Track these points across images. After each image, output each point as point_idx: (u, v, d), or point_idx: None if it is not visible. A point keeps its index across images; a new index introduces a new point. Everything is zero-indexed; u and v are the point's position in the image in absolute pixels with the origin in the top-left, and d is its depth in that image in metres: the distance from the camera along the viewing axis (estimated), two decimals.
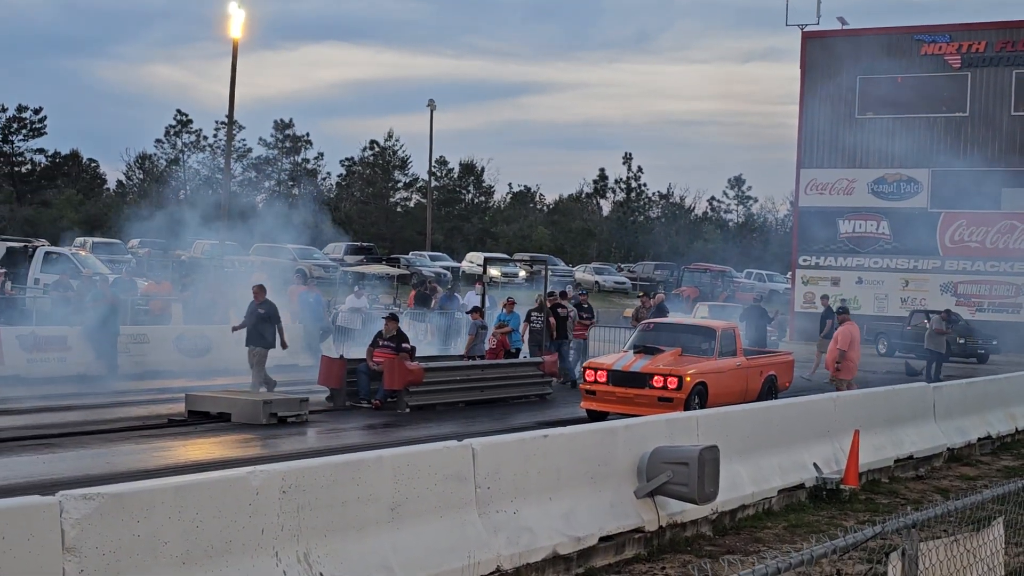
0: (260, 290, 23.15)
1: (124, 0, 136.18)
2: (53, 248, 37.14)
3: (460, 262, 72.44)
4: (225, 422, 19.37)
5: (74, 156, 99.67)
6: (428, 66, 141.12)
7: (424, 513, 10.14)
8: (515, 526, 10.99)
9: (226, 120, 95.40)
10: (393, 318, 23.83)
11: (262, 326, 22.64)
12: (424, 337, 31.74)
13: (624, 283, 70.96)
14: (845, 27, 51.71)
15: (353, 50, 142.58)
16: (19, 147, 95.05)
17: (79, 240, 56.72)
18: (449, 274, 64.48)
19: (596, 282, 70.23)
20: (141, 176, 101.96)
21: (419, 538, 9.99)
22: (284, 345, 23.19)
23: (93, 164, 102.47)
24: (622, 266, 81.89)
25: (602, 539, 11.89)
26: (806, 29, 51.64)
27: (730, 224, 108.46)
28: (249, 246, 63.74)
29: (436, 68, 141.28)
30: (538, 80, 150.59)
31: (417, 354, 23.93)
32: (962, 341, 40.50)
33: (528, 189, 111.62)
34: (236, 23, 54.58)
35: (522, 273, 66.25)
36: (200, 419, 19.54)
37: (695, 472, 12.50)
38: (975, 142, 47.07)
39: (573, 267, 76.38)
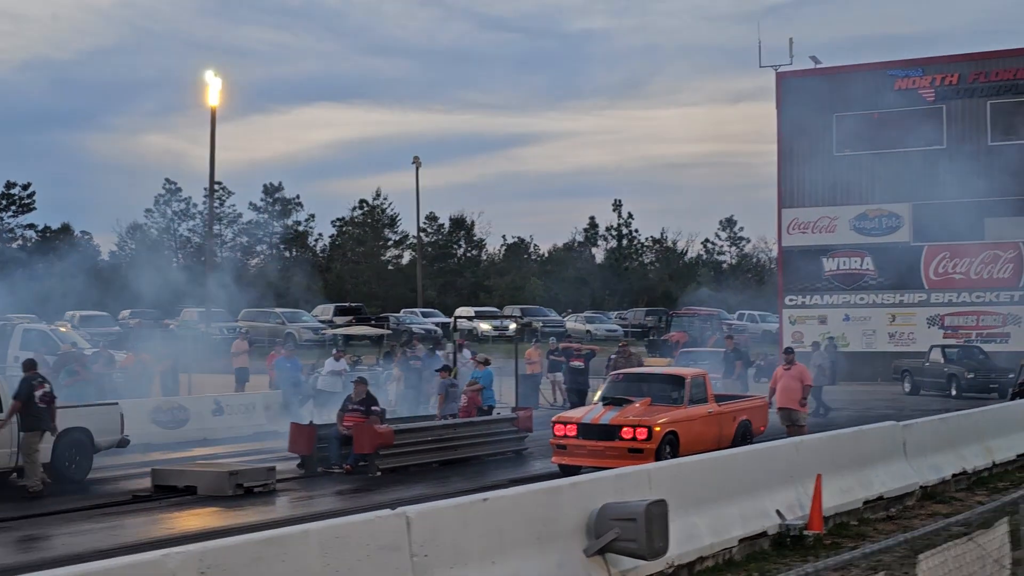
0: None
1: (115, 72, 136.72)
2: (32, 325, 37.08)
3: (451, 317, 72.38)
4: (192, 495, 19.25)
5: (65, 229, 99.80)
6: (418, 122, 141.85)
7: None
8: None
9: (215, 187, 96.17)
10: (362, 381, 23.76)
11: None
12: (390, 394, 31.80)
13: (616, 330, 70.84)
14: (818, 66, 51.89)
15: (344, 110, 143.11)
16: (8, 223, 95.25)
17: (68, 314, 56.63)
18: (440, 330, 64.42)
19: (587, 331, 70.11)
20: (133, 246, 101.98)
21: None
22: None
23: (86, 236, 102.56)
24: (620, 314, 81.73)
25: None
26: (779, 70, 51.82)
27: (723, 266, 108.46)
28: (238, 312, 63.83)
29: (426, 124, 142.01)
30: (530, 131, 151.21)
31: (389, 415, 23.86)
32: (971, 376, 40.08)
33: (522, 240, 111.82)
34: (213, 91, 54.90)
35: (512, 326, 66.22)
36: (166, 493, 19.41)
37: (643, 527, 12.39)
38: (954, 174, 47.03)
39: (564, 316, 76.25)
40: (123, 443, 23.20)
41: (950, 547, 6.97)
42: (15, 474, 20.66)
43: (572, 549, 12.36)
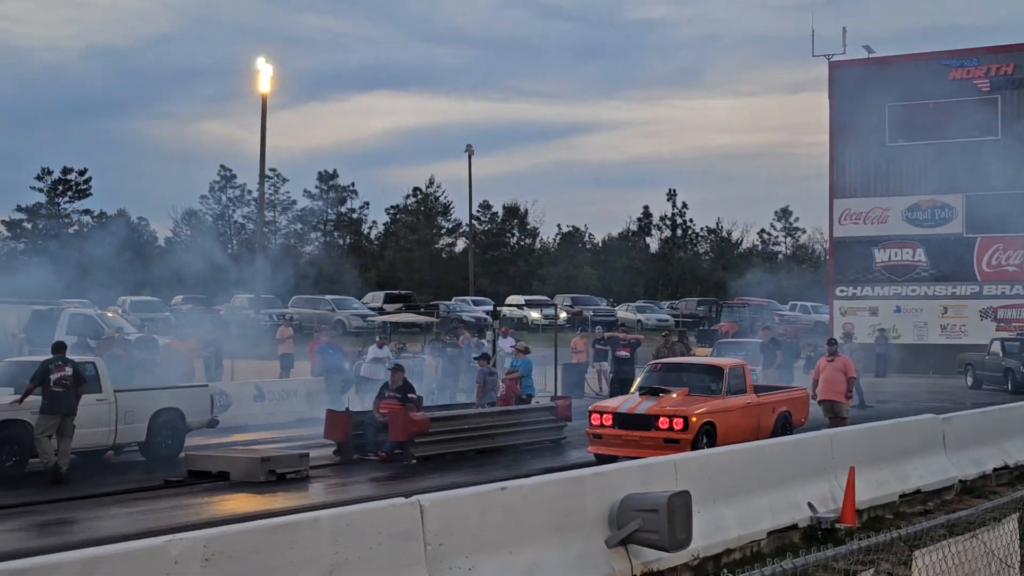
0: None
1: (174, 60, 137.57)
2: (79, 309, 37.30)
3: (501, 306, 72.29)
4: (224, 480, 19.27)
5: (121, 215, 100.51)
6: (475, 111, 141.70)
7: (367, 574, 9.94)
8: None
9: (270, 174, 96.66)
10: (399, 369, 23.71)
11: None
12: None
13: (667, 320, 70.48)
14: (872, 55, 51.33)
15: (401, 98, 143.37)
16: (65, 208, 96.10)
17: (120, 299, 57.00)
18: (489, 319, 64.31)
19: (638, 320, 69.87)
20: (188, 232, 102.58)
21: None
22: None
23: (142, 222, 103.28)
24: (672, 304, 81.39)
25: None
26: (832, 59, 51.31)
27: (778, 256, 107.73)
28: (288, 298, 64.07)
29: (483, 112, 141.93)
30: (586, 120, 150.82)
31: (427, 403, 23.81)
32: None
33: (576, 229, 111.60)
34: (265, 78, 55.22)
35: (563, 315, 66.06)
36: (199, 479, 19.45)
37: (664, 518, 12.24)
38: (1008, 164, 46.42)
39: (616, 306, 76.01)
40: (212, 423, 23.97)
41: (950, 544, 6.79)
42: (111, 451, 22.00)
43: (594, 540, 12.24)
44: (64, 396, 19.94)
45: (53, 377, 19.86)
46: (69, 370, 20.08)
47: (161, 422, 22.30)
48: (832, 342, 25.84)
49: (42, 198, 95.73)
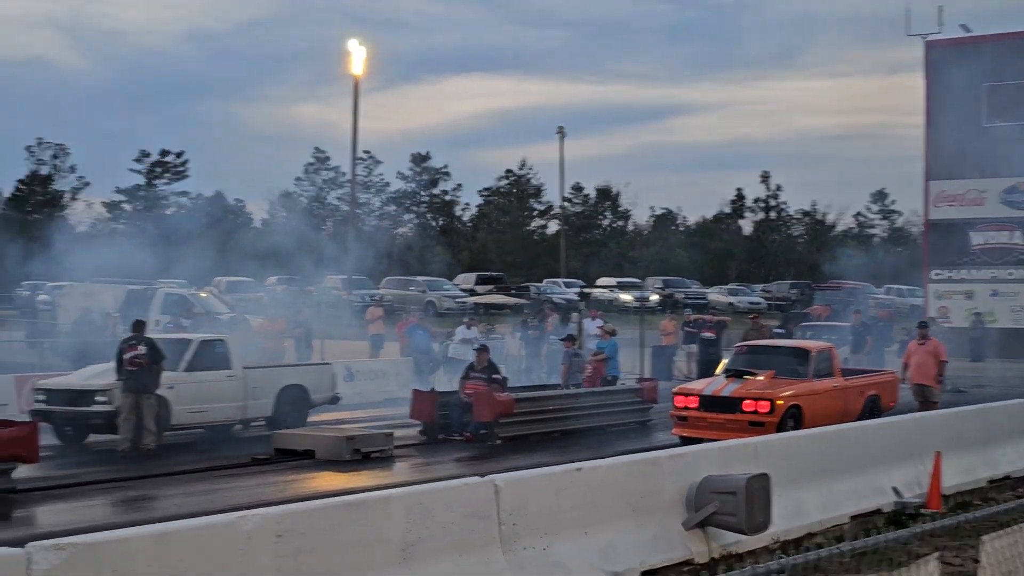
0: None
1: (271, 43, 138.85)
2: (173, 290, 37.80)
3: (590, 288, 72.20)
4: (310, 459, 19.44)
5: (218, 196, 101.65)
6: (569, 93, 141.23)
7: (440, 553, 9.97)
8: (544, 562, 10.76)
9: (364, 156, 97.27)
10: (484, 349, 23.75)
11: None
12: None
13: (759, 303, 69.93)
14: (969, 34, 50.40)
15: (495, 80, 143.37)
16: (162, 191, 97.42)
17: (216, 279, 57.71)
18: (580, 300, 64.27)
19: (730, 303, 69.42)
20: (283, 214, 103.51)
21: None
22: None
23: (239, 204, 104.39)
24: (764, 287, 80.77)
25: (644, 573, 11.60)
26: (928, 39, 50.47)
27: (874, 239, 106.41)
28: (380, 279, 64.47)
29: (577, 95, 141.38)
30: (681, 102, 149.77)
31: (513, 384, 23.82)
32: None
33: (670, 212, 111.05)
34: (357, 60, 55.45)
35: (654, 297, 65.82)
36: (285, 457, 19.64)
37: (743, 501, 12.17)
38: None
39: (708, 288, 75.57)
40: (334, 400, 24.83)
41: (1021, 529, 6.64)
42: (239, 425, 22.91)
43: (670, 522, 12.19)
44: (137, 375, 20.24)
45: (126, 356, 20.20)
46: (143, 349, 20.33)
47: (287, 398, 23.22)
48: (923, 325, 25.47)
49: (140, 180, 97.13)
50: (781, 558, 5.67)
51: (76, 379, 21.71)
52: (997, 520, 6.70)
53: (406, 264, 71.21)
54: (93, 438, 21.54)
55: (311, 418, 24.22)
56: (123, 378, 20.21)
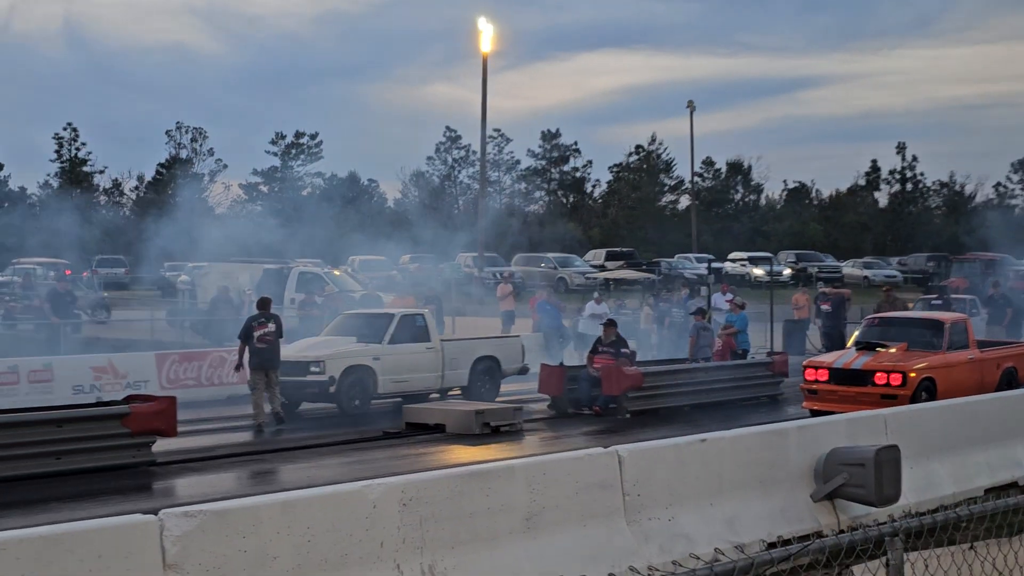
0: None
1: (405, 23, 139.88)
2: (308, 268, 38.39)
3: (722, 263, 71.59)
4: (440, 433, 19.66)
5: (352, 177, 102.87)
6: (701, 67, 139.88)
7: (564, 522, 10.04)
8: (669, 533, 10.77)
9: (493, 135, 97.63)
10: (611, 323, 23.77)
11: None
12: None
13: (895, 276, 68.78)
14: None
15: (625, 56, 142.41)
16: (298, 172, 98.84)
17: (351, 258, 58.53)
18: (712, 276, 63.78)
19: (865, 276, 68.39)
20: (416, 193, 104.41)
21: (557, 548, 9.87)
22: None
23: (373, 184, 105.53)
24: (900, 260, 79.43)
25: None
26: None
27: (1016, 210, 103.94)
28: (511, 257, 64.73)
29: (709, 68, 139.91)
30: (815, 73, 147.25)
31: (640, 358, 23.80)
32: None
33: (803, 185, 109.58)
34: (486, 38, 55.71)
35: (787, 271, 65.15)
36: (416, 431, 19.88)
37: (871, 473, 12.04)
38: None
39: (842, 262, 74.53)
40: (523, 370, 25.61)
41: None
42: (438, 394, 24.09)
43: (798, 493, 12.12)
44: (267, 351, 20.84)
45: (256, 334, 20.77)
46: (272, 326, 20.94)
47: (480, 368, 24.52)
48: None
49: (276, 162, 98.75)
50: (894, 522, 5.61)
51: (291, 351, 22.68)
52: None
53: (537, 241, 71.36)
54: (306, 406, 22.94)
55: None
56: (253, 355, 20.68)
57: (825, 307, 32.91)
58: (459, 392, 24.41)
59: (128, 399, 17.61)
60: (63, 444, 16.00)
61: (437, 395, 24.12)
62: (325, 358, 22.18)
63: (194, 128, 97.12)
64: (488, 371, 24.68)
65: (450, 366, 24.02)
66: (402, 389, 23.31)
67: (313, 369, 22.12)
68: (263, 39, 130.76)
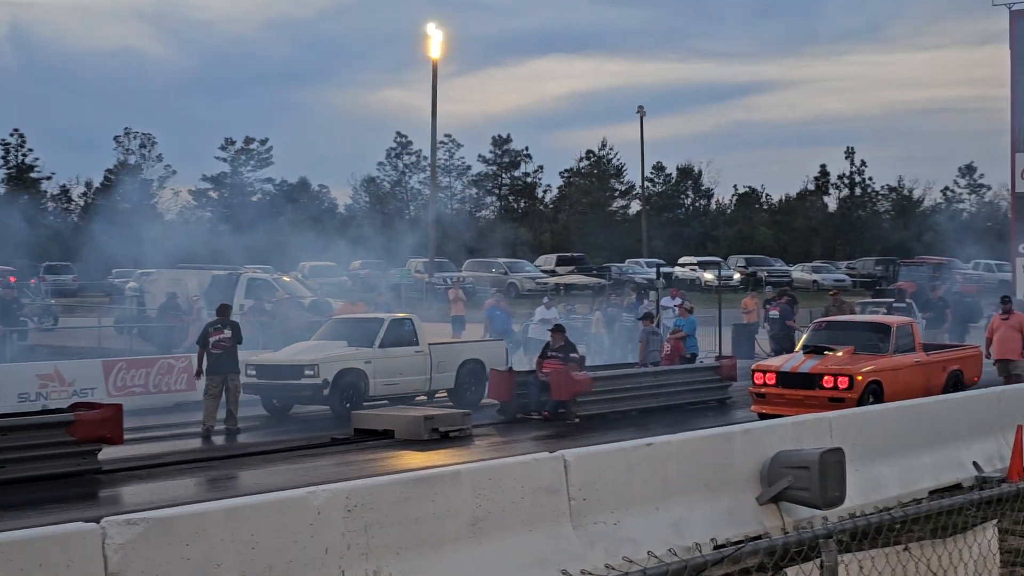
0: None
1: (354, 29, 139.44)
2: (257, 274, 38.24)
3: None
4: (388, 439, 19.62)
5: (302, 183, 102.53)
6: (652, 72, 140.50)
7: (510, 527, 10.04)
8: (615, 537, 10.80)
9: (445, 139, 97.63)
10: (559, 329, 23.81)
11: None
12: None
13: (844, 280, 69.26)
14: None
15: (577, 61, 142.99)
16: (247, 177, 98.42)
17: (301, 265, 58.31)
18: (662, 280, 63.98)
19: (814, 281, 68.85)
20: (366, 199, 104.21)
21: (504, 553, 9.88)
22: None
23: (323, 189, 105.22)
24: (849, 264, 80.00)
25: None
26: (1013, 8, 49.58)
27: (963, 214, 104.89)
28: (462, 262, 64.75)
29: (660, 74, 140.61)
30: (765, 79, 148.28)
31: (589, 363, 23.85)
32: None
33: (753, 190, 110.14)
34: (435, 43, 55.67)
35: (736, 276, 65.50)
36: (365, 437, 19.83)
37: (816, 476, 12.11)
38: None
39: (791, 266, 75.00)
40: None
41: None
42: (426, 396, 24.57)
43: (744, 497, 12.17)
44: (222, 356, 20.99)
45: (212, 340, 20.98)
46: (228, 332, 21.09)
47: (466, 371, 24.91)
48: (1006, 300, 25.12)
49: (226, 167, 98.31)
50: (828, 523, 5.67)
51: (284, 355, 23.48)
52: None
53: (489, 246, 71.42)
54: (297, 409, 23.53)
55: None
56: (209, 361, 20.75)
57: (773, 312, 33.07)
58: (446, 394, 24.74)
59: (74, 407, 17.51)
60: (7, 452, 15.89)
61: (424, 397, 24.59)
62: (319, 362, 22.61)
63: (143, 134, 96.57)
64: (474, 373, 25.02)
65: (438, 369, 24.47)
66: (392, 392, 23.78)
67: (307, 373, 22.56)
68: (213, 44, 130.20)
